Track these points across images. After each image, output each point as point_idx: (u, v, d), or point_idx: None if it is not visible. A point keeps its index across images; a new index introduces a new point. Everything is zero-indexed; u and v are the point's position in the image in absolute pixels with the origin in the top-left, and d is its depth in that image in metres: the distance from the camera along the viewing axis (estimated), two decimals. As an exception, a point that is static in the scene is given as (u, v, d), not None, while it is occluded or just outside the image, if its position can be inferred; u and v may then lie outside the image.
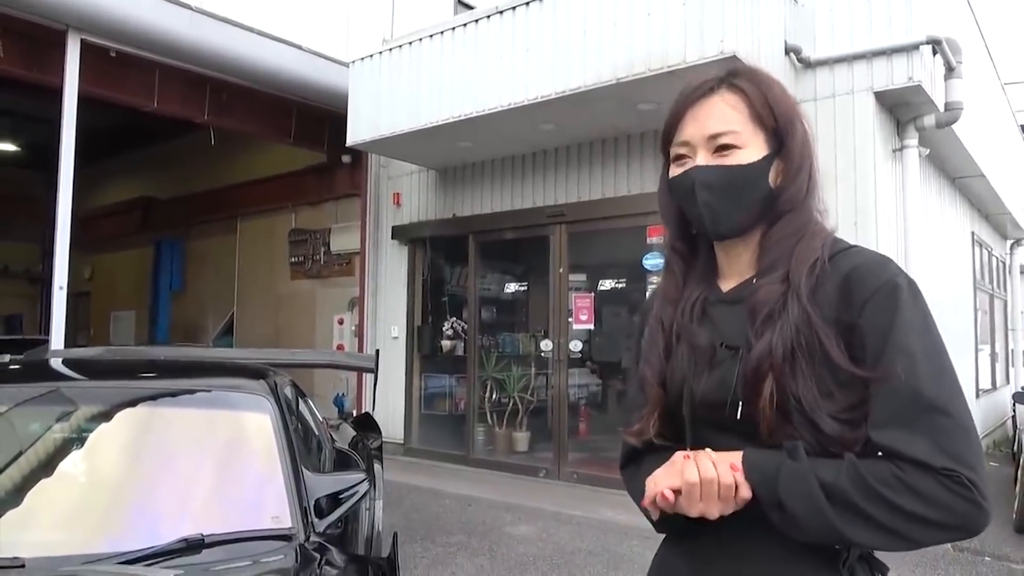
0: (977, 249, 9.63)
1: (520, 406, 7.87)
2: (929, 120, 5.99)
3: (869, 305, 1.05)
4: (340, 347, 9.48)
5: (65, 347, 6.24)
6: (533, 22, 5.97)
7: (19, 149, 13.86)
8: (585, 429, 7.79)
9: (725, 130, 1.14)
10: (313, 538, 2.14)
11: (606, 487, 6.55)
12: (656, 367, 1.21)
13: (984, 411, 9.54)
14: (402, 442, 8.44)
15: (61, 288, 6.10)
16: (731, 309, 1.17)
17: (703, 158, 1.15)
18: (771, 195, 1.15)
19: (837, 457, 1.03)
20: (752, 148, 1.14)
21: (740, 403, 1.09)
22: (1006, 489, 6.58)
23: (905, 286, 1.06)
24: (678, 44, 5.12)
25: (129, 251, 13.95)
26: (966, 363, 8.83)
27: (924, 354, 1.03)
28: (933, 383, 1.02)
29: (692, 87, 1.19)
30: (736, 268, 1.21)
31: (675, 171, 1.20)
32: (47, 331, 6.39)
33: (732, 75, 1.18)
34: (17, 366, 3.00)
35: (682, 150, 1.18)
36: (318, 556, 2.06)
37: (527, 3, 6.00)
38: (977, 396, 9.23)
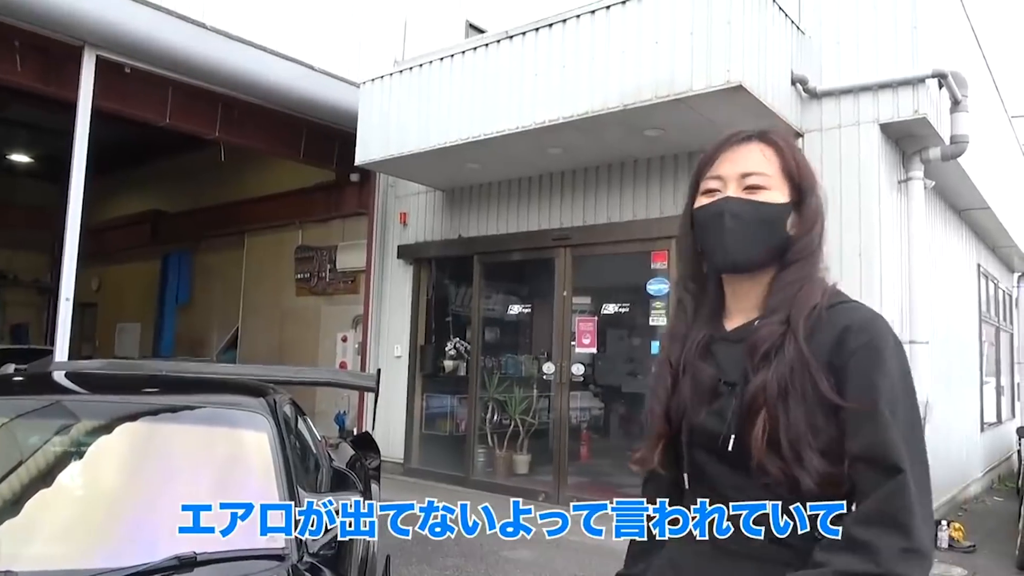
0: (983, 281, 9.61)
1: (521, 428, 7.85)
2: (935, 152, 6.01)
3: (857, 352, 1.13)
4: (343, 364, 9.49)
5: (70, 358, 6.27)
6: (542, 47, 6.04)
7: (32, 160, 14.02)
8: (586, 453, 7.75)
9: (758, 171, 1.25)
10: (306, 559, 2.14)
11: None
12: (662, 400, 1.31)
13: (989, 445, 9.46)
14: (402, 461, 8.41)
15: (68, 299, 6.14)
16: (733, 347, 1.25)
17: (734, 191, 1.25)
18: (785, 242, 1.24)
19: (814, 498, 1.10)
20: (777, 192, 1.24)
21: (733, 436, 1.17)
22: (1009, 524, 6.51)
23: (892, 341, 1.15)
24: (685, 72, 5.17)
25: (137, 264, 14.04)
26: (971, 396, 8.78)
27: (895, 400, 1.11)
28: (899, 437, 1.09)
29: (731, 133, 1.31)
30: (742, 307, 1.29)
31: (703, 201, 1.28)
32: (53, 341, 6.42)
33: (768, 131, 1.30)
34: (21, 377, 3.02)
35: (714, 184, 1.27)
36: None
37: (536, 29, 6.07)
38: (982, 430, 9.16)
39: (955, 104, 5.92)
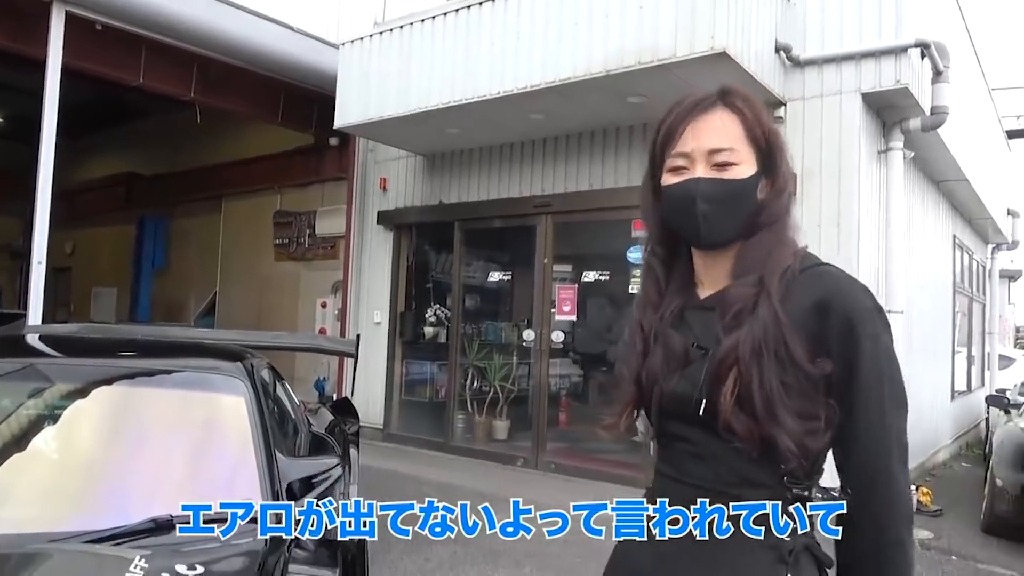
0: (958, 252, 9.73)
1: (501, 395, 7.89)
2: (915, 123, 6.03)
3: (840, 333, 1.13)
4: (323, 330, 9.46)
5: (44, 323, 6.18)
6: (525, 11, 5.94)
7: (2, 121, 13.65)
8: (565, 419, 7.81)
9: (726, 146, 1.21)
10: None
11: (583, 477, 6.59)
12: (633, 367, 1.29)
13: (959, 413, 9.68)
14: (382, 427, 8.44)
15: (40, 263, 6.04)
16: (707, 314, 1.23)
17: (703, 171, 1.21)
18: (756, 209, 1.22)
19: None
20: (746, 165, 1.21)
21: (704, 400, 1.16)
22: (976, 489, 6.68)
23: (877, 316, 1.15)
24: (669, 38, 5.12)
25: (112, 227, 13.80)
26: (943, 366, 8.94)
27: (881, 386, 1.15)
28: (883, 426, 1.15)
29: (691, 101, 1.25)
30: (714, 276, 1.27)
31: (671, 180, 1.24)
32: (26, 306, 6.32)
33: (728, 94, 1.24)
34: (11, 341, 2.98)
35: (681, 161, 1.23)
36: (288, 539, 2.06)
37: (519, -9, 5.97)
38: (952, 398, 9.36)
39: (936, 75, 5.92)
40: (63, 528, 1.86)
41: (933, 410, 8.19)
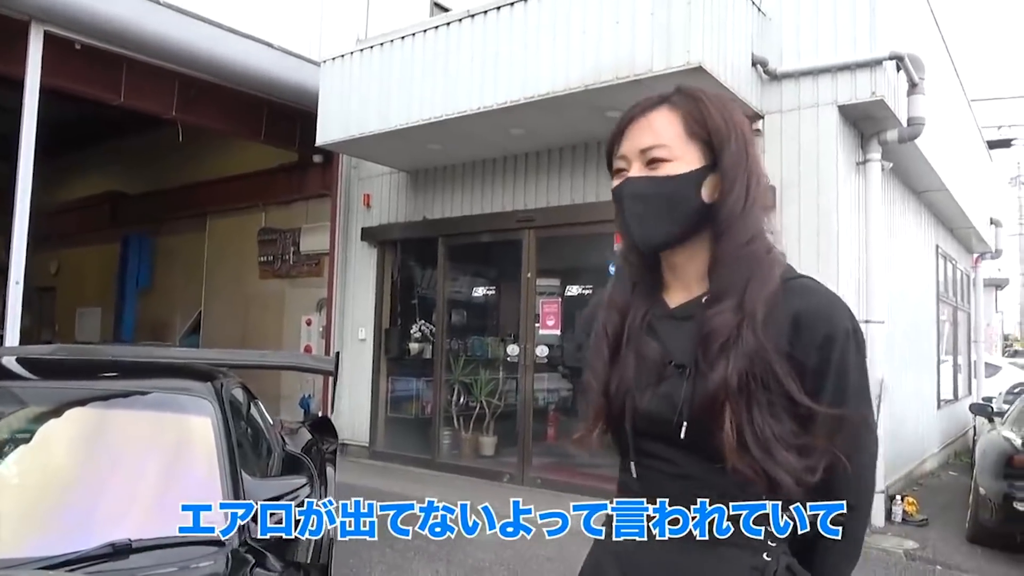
0: (942, 262, 9.79)
1: (487, 410, 7.85)
2: (892, 135, 6.08)
3: (816, 351, 1.10)
4: (308, 348, 9.40)
5: (27, 343, 6.13)
6: (504, 27, 5.98)
7: (-16, 140, 13.59)
8: (552, 434, 7.78)
9: (655, 144, 1.17)
10: (249, 543, 2.11)
11: (569, 492, 6.55)
12: (600, 376, 1.23)
13: (945, 422, 9.70)
14: (367, 445, 8.39)
15: (17, 283, 5.99)
16: (679, 325, 1.19)
17: (636, 170, 1.19)
18: (705, 208, 1.17)
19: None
20: (683, 162, 1.17)
21: (685, 423, 1.12)
22: (962, 498, 6.67)
23: (852, 337, 1.13)
24: (645, 53, 5.15)
25: (96, 247, 13.72)
26: (927, 374, 8.97)
27: (855, 403, 1.14)
28: (857, 439, 1.15)
29: (635, 104, 1.24)
30: (682, 282, 1.23)
31: (615, 182, 1.24)
32: (3, 326, 6.26)
33: (674, 93, 1.22)
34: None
35: (620, 164, 1.22)
36: (251, 561, 2.03)
37: (498, 8, 6.01)
38: (939, 407, 9.38)
39: (912, 87, 5.98)
40: (18, 554, 1.83)
41: (919, 419, 8.20)
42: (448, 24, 6.40)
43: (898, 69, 5.80)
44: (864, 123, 6.09)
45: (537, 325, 7.32)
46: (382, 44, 6.90)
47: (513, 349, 7.50)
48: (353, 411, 8.50)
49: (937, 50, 7.71)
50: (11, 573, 1.73)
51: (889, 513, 6.04)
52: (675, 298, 1.23)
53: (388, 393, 8.61)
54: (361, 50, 7.08)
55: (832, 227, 5.66)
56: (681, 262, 1.21)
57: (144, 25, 6.51)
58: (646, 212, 1.17)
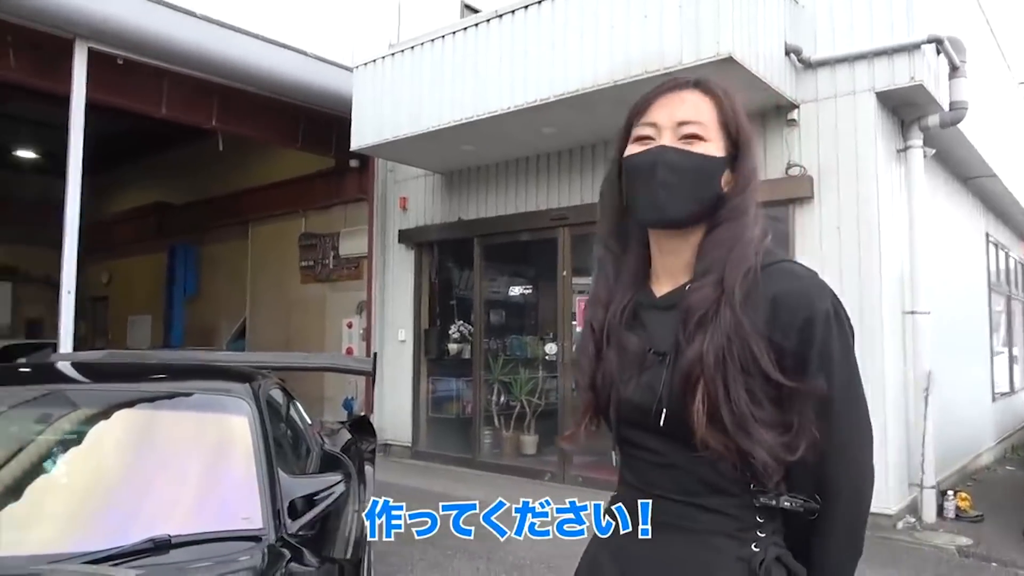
0: (992, 250, 9.48)
1: (528, 409, 7.86)
2: (933, 120, 5.92)
3: (796, 333, 1.09)
4: (349, 350, 9.54)
5: (77, 351, 6.34)
6: (531, 26, 5.99)
7: (38, 156, 14.12)
8: (591, 432, 7.75)
9: (694, 119, 1.16)
10: (286, 539, 2.16)
11: (610, 490, 6.52)
12: (587, 371, 1.23)
13: (1001, 415, 9.38)
14: (410, 445, 8.47)
15: (69, 292, 6.20)
16: (663, 315, 1.18)
17: (669, 140, 1.16)
18: (717, 199, 1.17)
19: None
20: (714, 145, 1.17)
21: (664, 410, 1.11)
22: (1018, 494, 6.47)
23: (833, 318, 1.10)
24: (674, 46, 5.11)
25: (145, 256, 14.15)
26: (981, 367, 8.70)
27: (842, 390, 1.11)
28: (845, 423, 1.13)
29: (667, 80, 1.23)
30: (670, 269, 1.21)
31: (634, 149, 1.19)
32: (58, 334, 6.49)
33: (706, 80, 1.21)
34: (27, 368, 3.07)
35: (647, 131, 1.18)
36: (287, 556, 2.08)
37: (526, 7, 6.02)
38: (994, 400, 9.09)
39: (953, 70, 5.82)
40: (64, 550, 1.90)
41: (972, 413, 7.96)
42: (476, 25, 6.44)
43: (938, 52, 5.64)
44: (904, 109, 5.94)
45: (574, 323, 7.31)
46: (412, 47, 6.97)
47: (551, 347, 7.50)
48: (395, 412, 8.60)
49: (980, 31, 7.47)
50: (59, 567, 1.80)
51: (941, 509, 5.87)
52: (662, 287, 1.22)
53: (429, 394, 8.69)
54: (392, 54, 7.16)
55: (873, 217, 5.53)
56: (674, 246, 1.20)
57: (183, 38, 6.69)
58: (679, 184, 1.14)
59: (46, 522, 2.07)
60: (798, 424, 1.08)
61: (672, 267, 1.21)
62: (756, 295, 1.10)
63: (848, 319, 1.14)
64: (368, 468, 3.94)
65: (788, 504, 1.11)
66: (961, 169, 7.74)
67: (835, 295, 1.13)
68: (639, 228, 1.24)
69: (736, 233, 1.15)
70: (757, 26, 5.28)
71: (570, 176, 7.33)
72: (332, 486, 2.52)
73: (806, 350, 1.08)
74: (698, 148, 1.15)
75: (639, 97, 1.23)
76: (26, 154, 14.19)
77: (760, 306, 1.09)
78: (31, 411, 2.46)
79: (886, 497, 5.37)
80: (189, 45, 6.75)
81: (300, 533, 2.26)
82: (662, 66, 5.13)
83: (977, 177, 8.11)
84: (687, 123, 1.16)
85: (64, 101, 6.44)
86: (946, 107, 5.86)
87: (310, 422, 3.64)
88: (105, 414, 2.48)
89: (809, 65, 5.79)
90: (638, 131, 1.20)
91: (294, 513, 2.31)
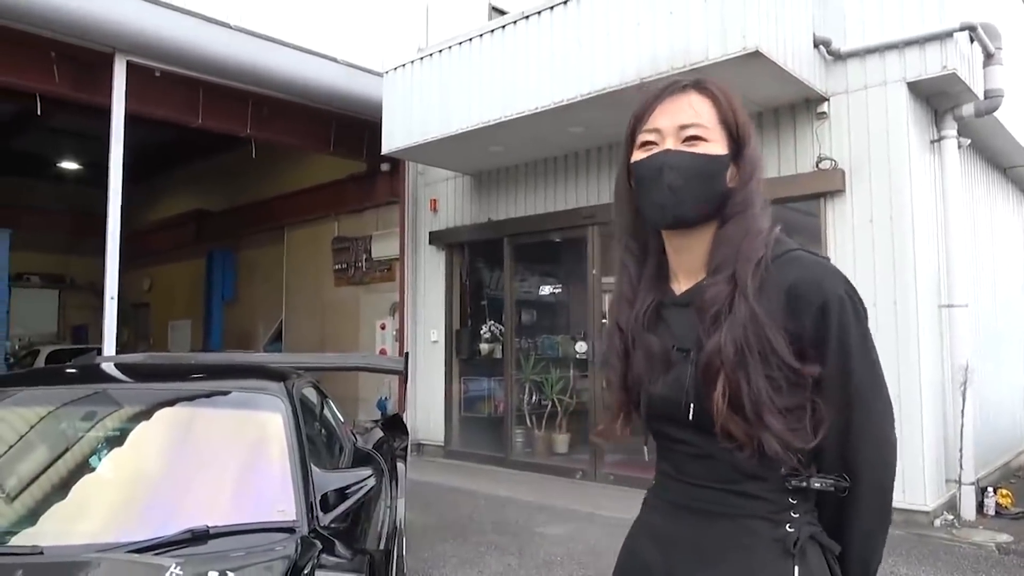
0: (1035, 242, 9.23)
1: (559, 408, 7.89)
2: (968, 109, 5.81)
3: (813, 320, 1.13)
4: (383, 351, 9.66)
5: (117, 355, 6.55)
6: (558, 26, 6.02)
7: (82, 167, 14.55)
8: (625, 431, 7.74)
9: (695, 122, 1.21)
10: (318, 530, 2.23)
11: (642, 488, 6.50)
12: (617, 369, 1.29)
13: (1047, 410, 9.13)
14: (443, 444, 8.55)
15: (112, 299, 6.40)
16: (684, 312, 1.22)
17: (672, 144, 1.21)
18: (724, 195, 1.21)
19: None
20: (716, 144, 1.21)
21: (692, 404, 1.16)
22: (1063, 490, 6.30)
23: (847, 302, 1.14)
24: (700, 41, 5.10)
25: (184, 263, 14.50)
26: (1022, 360, 8.48)
27: (862, 371, 1.14)
28: (869, 401, 1.16)
29: (666, 85, 1.26)
30: (687, 267, 1.26)
31: (640, 155, 1.24)
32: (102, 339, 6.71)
33: (703, 81, 1.25)
34: (74, 370, 3.21)
35: (651, 137, 1.23)
36: (319, 547, 2.15)
37: (552, 7, 6.06)
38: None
39: (988, 57, 5.70)
40: (109, 540, 1.99)
41: (1015, 409, 7.76)
42: (503, 27, 6.49)
43: (971, 40, 5.54)
44: (937, 99, 5.84)
45: (604, 321, 7.31)
46: (441, 51, 7.05)
47: (582, 346, 7.52)
48: (428, 411, 8.69)
49: (1016, 16, 7.30)
50: (105, 556, 1.89)
51: (981, 506, 5.75)
52: (681, 285, 1.26)
53: (461, 393, 8.76)
54: (421, 58, 7.25)
55: (906, 209, 5.45)
56: (688, 245, 1.24)
57: (218, 50, 6.87)
58: (686, 186, 1.19)
59: (93, 514, 2.17)
60: (817, 410, 1.13)
61: (688, 265, 1.25)
62: (770, 285, 1.14)
63: (861, 302, 1.17)
64: (400, 465, 4.01)
65: (819, 485, 1.15)
66: (999, 159, 7.57)
67: (848, 280, 1.16)
68: (653, 229, 1.29)
69: (745, 227, 1.19)
70: (784, 18, 5.24)
71: (599, 175, 7.34)
72: (363, 480, 2.59)
73: (824, 336, 1.12)
74: (701, 149, 1.20)
75: (639, 103, 1.27)
76: (70, 165, 14.64)
77: (775, 296, 1.13)
78: (78, 410, 2.57)
79: (922, 493, 5.29)
80: (224, 56, 6.92)
81: (332, 525, 2.33)
82: (688, 62, 5.13)
83: (1017, 166, 7.92)
84: (689, 126, 1.20)
85: (105, 113, 6.65)
86: (981, 95, 5.75)
87: (343, 420, 3.72)
88: (147, 412, 2.58)
89: (839, 57, 5.73)
90: (642, 137, 1.24)
91: (326, 506, 2.39)
